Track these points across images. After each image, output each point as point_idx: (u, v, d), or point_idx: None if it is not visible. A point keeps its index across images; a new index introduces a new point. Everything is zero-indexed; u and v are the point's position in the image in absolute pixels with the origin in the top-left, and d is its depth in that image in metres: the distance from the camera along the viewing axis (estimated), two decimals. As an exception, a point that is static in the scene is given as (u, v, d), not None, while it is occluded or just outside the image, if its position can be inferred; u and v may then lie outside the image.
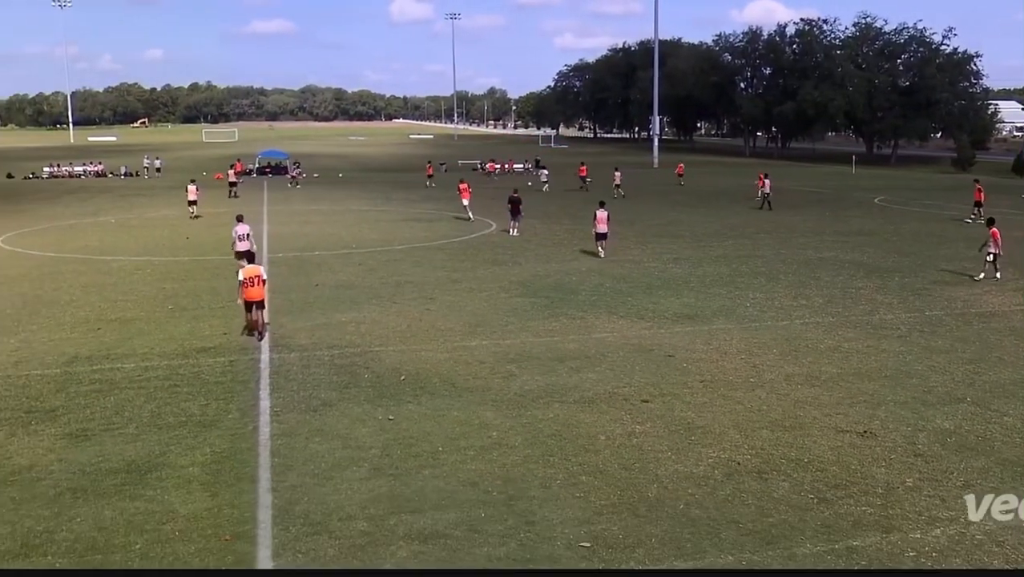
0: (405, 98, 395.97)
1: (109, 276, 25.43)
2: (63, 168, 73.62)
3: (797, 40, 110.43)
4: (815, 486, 10.65)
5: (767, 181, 44.91)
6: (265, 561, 8.94)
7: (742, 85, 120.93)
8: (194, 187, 41.26)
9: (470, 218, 38.25)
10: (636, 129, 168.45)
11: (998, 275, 24.09)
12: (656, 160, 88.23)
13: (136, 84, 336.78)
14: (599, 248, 28.42)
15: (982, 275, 24.20)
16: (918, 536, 9.39)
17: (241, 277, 17.85)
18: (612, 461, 11.43)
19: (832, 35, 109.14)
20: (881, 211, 44.94)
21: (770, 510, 10.01)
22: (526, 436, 12.33)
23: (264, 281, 17.90)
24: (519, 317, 19.76)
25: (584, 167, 57.88)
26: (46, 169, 72.57)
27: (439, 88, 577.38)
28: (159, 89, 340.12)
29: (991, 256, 24.20)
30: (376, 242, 32.21)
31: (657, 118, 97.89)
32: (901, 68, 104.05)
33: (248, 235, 24.25)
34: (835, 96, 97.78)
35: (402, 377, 15.10)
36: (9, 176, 69.27)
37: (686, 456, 11.61)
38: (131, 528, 9.62)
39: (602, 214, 28.39)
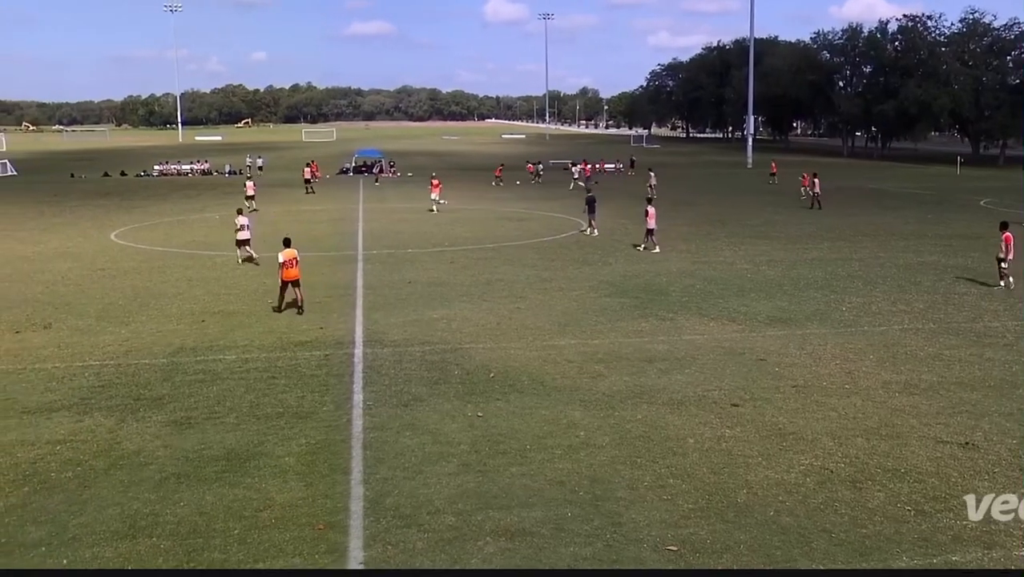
0: (498, 98, 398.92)
1: (213, 270, 26.48)
2: (171, 166, 76.81)
3: (900, 37, 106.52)
4: (912, 498, 10.34)
5: (816, 181, 45.26)
6: (356, 551, 9.17)
7: (841, 84, 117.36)
8: (251, 183, 46.24)
9: (434, 211, 41.70)
10: (730, 129, 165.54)
11: (1004, 282, 22.70)
12: (750, 160, 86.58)
13: (241, 85, 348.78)
14: (652, 241, 29.71)
15: (1002, 283, 22.85)
16: (1023, 553, 9.03)
17: (281, 259, 19.99)
18: (700, 465, 11.33)
19: (937, 31, 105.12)
20: (987, 214, 43.00)
21: (864, 521, 9.76)
22: (614, 437, 12.32)
23: (298, 262, 20.13)
24: (608, 317, 19.73)
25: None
26: (156, 167, 75.75)
27: (531, 88, 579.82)
28: (262, 90, 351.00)
29: (1004, 263, 22.84)
30: (468, 240, 32.57)
31: (752, 117, 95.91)
32: (1011, 65, 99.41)
33: (246, 225, 27.79)
34: (939, 95, 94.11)
35: (491, 374, 15.27)
36: (122, 174, 72.51)
37: (777, 462, 11.42)
38: (230, 514, 10.01)
39: (652, 211, 30.31)
